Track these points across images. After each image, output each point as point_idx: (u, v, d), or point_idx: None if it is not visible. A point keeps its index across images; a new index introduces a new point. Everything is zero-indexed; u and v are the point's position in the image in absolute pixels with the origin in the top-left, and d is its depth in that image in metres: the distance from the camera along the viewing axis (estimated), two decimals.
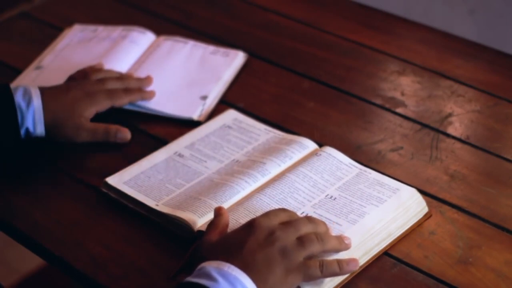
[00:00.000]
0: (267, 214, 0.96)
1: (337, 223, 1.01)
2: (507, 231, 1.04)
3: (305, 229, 0.95)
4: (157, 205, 1.06)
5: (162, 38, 1.42)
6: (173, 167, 1.13)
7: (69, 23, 1.47)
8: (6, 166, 1.16)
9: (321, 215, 1.03)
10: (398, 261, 1.00)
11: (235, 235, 0.94)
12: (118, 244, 1.04)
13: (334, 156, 1.11)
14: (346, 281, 0.97)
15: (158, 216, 1.05)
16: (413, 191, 1.07)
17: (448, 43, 1.43)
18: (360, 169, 1.10)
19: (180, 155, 1.15)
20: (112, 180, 1.10)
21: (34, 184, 1.13)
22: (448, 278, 0.98)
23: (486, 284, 0.97)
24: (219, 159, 1.15)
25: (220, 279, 0.87)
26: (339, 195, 1.06)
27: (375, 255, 1.00)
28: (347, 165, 1.11)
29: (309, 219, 0.97)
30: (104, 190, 1.10)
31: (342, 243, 0.97)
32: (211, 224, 0.98)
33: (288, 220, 0.96)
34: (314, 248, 0.94)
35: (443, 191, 1.10)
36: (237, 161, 1.14)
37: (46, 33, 1.46)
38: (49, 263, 1.07)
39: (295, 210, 1.03)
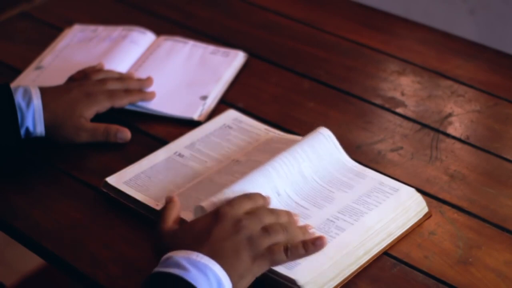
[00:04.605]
0: (231, 203, 0.97)
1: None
2: (507, 231, 1.04)
3: (268, 219, 0.96)
4: (157, 205, 1.06)
5: (162, 38, 1.42)
6: (173, 167, 1.13)
7: (69, 23, 1.47)
8: (6, 166, 1.15)
9: (321, 215, 1.03)
10: (398, 261, 1.00)
11: (200, 223, 0.95)
12: (118, 244, 1.04)
13: (333, 156, 1.11)
14: (346, 281, 0.97)
15: (158, 216, 1.05)
16: (413, 191, 1.07)
17: (448, 43, 1.43)
18: (360, 169, 1.10)
19: (180, 155, 1.15)
20: (112, 180, 1.10)
21: (34, 184, 1.13)
22: (448, 278, 0.98)
23: (486, 284, 0.97)
24: (219, 159, 1.15)
25: (190, 267, 0.88)
26: (339, 195, 1.06)
27: (375, 255, 1.00)
28: (347, 165, 1.11)
29: (271, 210, 0.98)
30: (104, 190, 1.10)
31: (306, 233, 0.98)
32: (165, 214, 0.98)
33: (251, 210, 0.97)
34: (279, 237, 0.95)
35: (443, 191, 1.10)
36: (237, 161, 1.14)
37: (46, 33, 1.46)
38: (49, 263, 1.07)
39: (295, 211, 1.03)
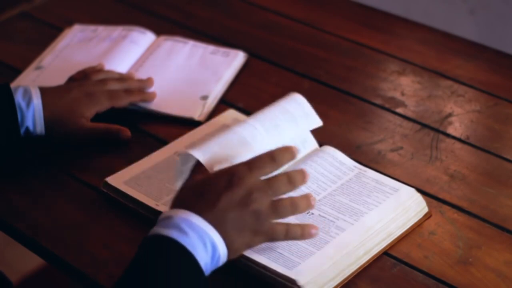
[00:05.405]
0: (250, 167, 0.94)
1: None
2: (507, 231, 1.04)
3: (283, 190, 0.94)
4: (157, 205, 1.06)
5: (162, 38, 1.42)
6: (173, 167, 1.13)
7: (69, 23, 1.47)
8: (6, 166, 1.15)
9: (321, 215, 1.03)
10: (398, 261, 1.00)
11: (213, 182, 0.93)
12: (118, 244, 1.04)
13: (334, 156, 1.11)
14: (346, 281, 0.97)
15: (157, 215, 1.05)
16: (413, 191, 1.07)
17: (448, 43, 1.43)
18: (360, 169, 1.10)
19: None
20: (112, 180, 1.10)
21: (34, 184, 1.13)
22: (448, 278, 0.98)
23: (486, 284, 0.97)
24: None
25: (189, 231, 0.88)
26: (338, 194, 1.06)
27: (375, 255, 1.00)
28: (347, 165, 1.11)
29: (289, 179, 0.95)
30: (104, 190, 1.10)
31: (310, 205, 0.96)
32: (198, 165, 0.98)
33: (268, 177, 0.95)
34: (287, 214, 0.95)
35: (443, 191, 1.10)
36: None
37: (46, 33, 1.46)
38: (49, 263, 1.07)
39: None
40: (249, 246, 0.94)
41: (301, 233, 0.96)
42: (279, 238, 0.95)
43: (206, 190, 0.93)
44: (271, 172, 0.95)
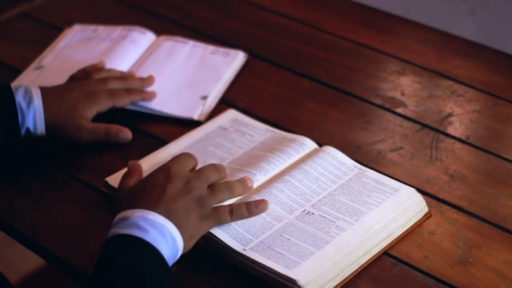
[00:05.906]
0: (179, 161, 1.01)
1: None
2: (507, 231, 1.04)
3: (213, 176, 1.00)
4: None
5: (162, 38, 1.42)
6: None
7: (69, 23, 1.47)
8: (6, 166, 1.15)
9: (321, 215, 1.03)
10: (398, 261, 1.00)
11: (153, 180, 0.98)
12: None
13: (334, 156, 1.11)
14: (346, 281, 0.97)
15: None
16: (413, 191, 1.07)
17: (448, 43, 1.43)
18: (360, 169, 1.10)
19: None
20: (112, 180, 1.10)
21: (34, 184, 1.13)
22: (448, 278, 0.98)
23: (486, 284, 0.97)
24: (219, 159, 1.15)
25: (149, 228, 0.91)
26: (338, 194, 1.06)
27: (375, 255, 1.00)
28: (347, 165, 1.11)
29: (215, 167, 1.02)
30: (104, 190, 1.10)
31: (246, 187, 1.03)
32: (126, 176, 1.03)
33: (196, 168, 1.02)
34: (224, 195, 1.00)
35: (443, 191, 1.10)
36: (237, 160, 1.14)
37: (46, 33, 1.46)
38: (49, 263, 1.07)
39: (294, 210, 1.03)
40: (200, 232, 0.97)
41: (248, 210, 1.00)
42: (225, 219, 0.99)
43: (149, 187, 0.97)
44: (192, 165, 1.02)
